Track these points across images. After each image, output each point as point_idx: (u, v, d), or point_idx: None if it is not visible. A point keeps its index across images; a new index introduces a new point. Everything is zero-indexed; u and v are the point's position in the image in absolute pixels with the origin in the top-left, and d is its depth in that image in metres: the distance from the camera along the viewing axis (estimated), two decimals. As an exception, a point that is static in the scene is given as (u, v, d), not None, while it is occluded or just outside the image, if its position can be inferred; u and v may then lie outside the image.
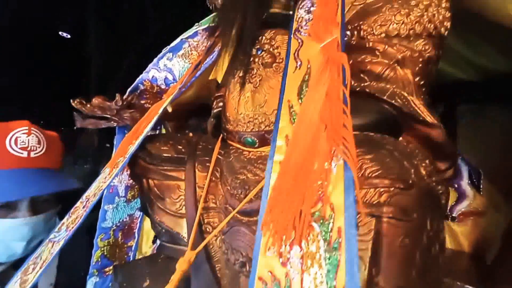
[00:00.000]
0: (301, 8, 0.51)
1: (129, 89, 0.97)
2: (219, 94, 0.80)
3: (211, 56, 0.75)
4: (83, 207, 0.61)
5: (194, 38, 0.90)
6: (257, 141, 0.61)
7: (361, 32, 0.45)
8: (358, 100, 0.38)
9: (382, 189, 0.31)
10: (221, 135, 0.73)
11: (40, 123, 0.91)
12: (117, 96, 0.86)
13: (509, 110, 0.72)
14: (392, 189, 0.31)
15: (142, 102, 0.99)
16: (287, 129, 0.36)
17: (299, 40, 0.46)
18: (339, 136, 0.27)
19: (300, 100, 0.38)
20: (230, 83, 0.65)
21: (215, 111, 0.77)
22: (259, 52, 0.60)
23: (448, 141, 0.42)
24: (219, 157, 0.69)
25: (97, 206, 0.82)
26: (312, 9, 0.49)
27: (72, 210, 0.63)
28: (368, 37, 0.45)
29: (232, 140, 0.68)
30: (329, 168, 0.28)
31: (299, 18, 0.49)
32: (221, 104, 0.74)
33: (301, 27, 0.47)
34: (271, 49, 0.59)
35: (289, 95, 0.39)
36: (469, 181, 0.75)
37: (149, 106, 0.96)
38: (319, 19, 0.43)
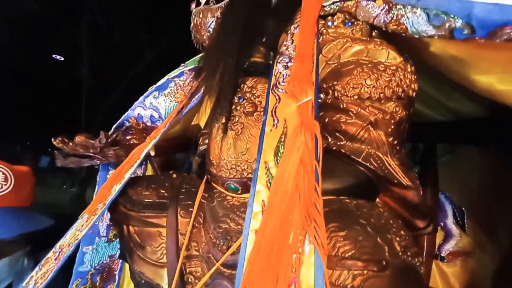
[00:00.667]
0: (279, 62, 0.53)
1: (114, 126, 0.97)
2: (205, 131, 0.81)
3: (195, 98, 0.76)
4: (55, 259, 0.57)
5: (180, 78, 0.92)
6: (240, 188, 0.60)
7: (336, 93, 0.47)
8: (335, 162, 0.38)
9: (355, 272, 0.31)
10: (205, 177, 0.72)
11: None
12: (101, 134, 0.85)
13: (484, 150, 0.74)
14: (366, 271, 0.31)
15: (128, 137, 0.98)
16: (263, 193, 0.36)
17: (277, 97, 0.47)
18: (311, 216, 0.28)
19: (276, 161, 0.38)
20: (213, 128, 0.65)
21: (201, 148, 0.77)
22: (240, 100, 0.61)
23: (424, 200, 0.43)
24: (203, 201, 0.68)
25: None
26: (289, 64, 0.51)
27: (42, 262, 0.59)
28: (342, 98, 0.47)
29: (215, 183, 0.68)
30: (302, 248, 0.27)
31: (277, 73, 0.51)
32: (207, 141, 0.74)
33: (279, 83, 0.49)
34: (252, 98, 0.60)
35: (266, 156, 0.40)
36: (454, 220, 0.75)
37: (135, 142, 0.96)
38: (295, 77, 0.45)
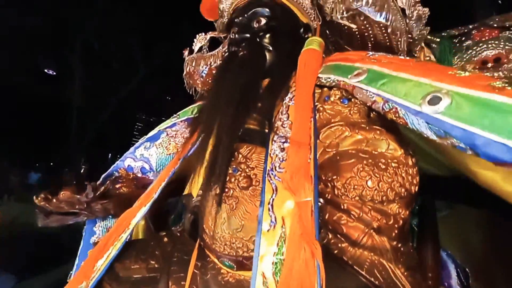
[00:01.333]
0: (275, 141, 0.51)
1: (102, 176, 0.93)
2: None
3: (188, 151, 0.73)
4: None
5: (173, 128, 0.90)
6: (235, 266, 0.57)
7: (335, 190, 0.45)
8: (338, 270, 0.36)
9: None
10: (199, 242, 0.68)
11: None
12: (88, 187, 0.81)
13: (481, 208, 0.73)
14: None
15: (117, 186, 0.94)
16: None
17: (273, 185, 0.45)
18: None
19: (275, 274, 0.36)
20: (207, 195, 0.62)
21: (192, 204, 0.73)
22: (235, 172, 0.58)
23: (425, 257, 0.41)
24: (196, 271, 0.64)
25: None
26: (285, 145, 0.49)
27: None
28: (343, 197, 0.45)
29: (209, 252, 0.64)
30: None
31: (273, 154, 0.49)
32: (199, 198, 0.71)
33: (275, 168, 0.47)
34: (247, 170, 0.58)
35: (262, 265, 0.37)
36: (458, 281, 0.73)
37: (124, 190, 0.92)
38: (292, 167, 0.43)
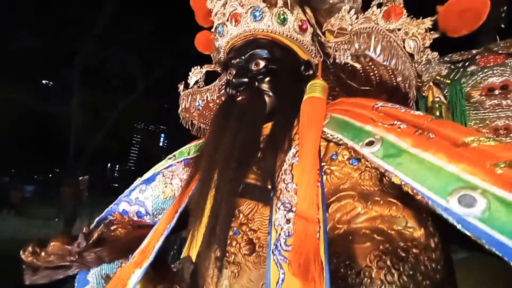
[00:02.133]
0: (279, 209, 0.46)
1: (96, 220, 0.88)
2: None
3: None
4: None
5: (169, 169, 0.85)
6: (238, 339, 0.52)
7: (349, 279, 0.41)
8: None
9: None
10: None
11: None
12: (80, 236, 0.75)
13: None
14: None
15: (112, 228, 0.89)
16: None
17: (279, 266, 0.40)
18: None
19: None
20: (207, 255, 0.57)
21: (192, 269, 0.68)
22: (236, 234, 0.54)
23: None
24: None
25: None
26: (290, 215, 0.44)
27: None
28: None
29: None
30: None
31: (277, 225, 0.45)
32: (198, 260, 0.66)
33: (281, 245, 0.42)
34: (249, 233, 0.53)
35: None
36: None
37: (120, 231, 0.86)
38: (300, 249, 0.39)
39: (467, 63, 1.00)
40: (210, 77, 0.95)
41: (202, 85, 0.93)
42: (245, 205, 0.56)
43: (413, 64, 0.55)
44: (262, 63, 0.63)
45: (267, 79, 0.63)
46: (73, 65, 4.96)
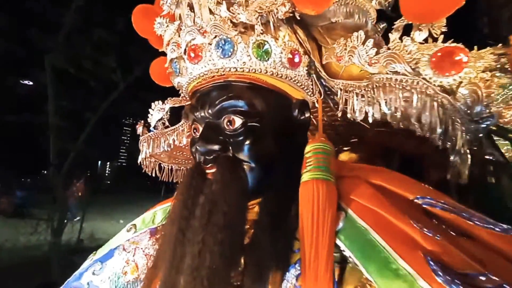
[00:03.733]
0: None
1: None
2: None
3: None
4: None
5: (130, 240, 0.65)
6: None
7: None
8: None
9: None
10: None
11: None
12: None
13: None
14: None
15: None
16: None
17: None
18: None
19: None
20: None
21: None
22: None
23: None
24: None
25: None
26: None
27: None
28: None
29: None
30: None
31: None
32: None
33: None
34: None
35: None
36: None
37: None
38: None
39: None
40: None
41: (166, 122, 0.72)
42: None
43: (469, 125, 0.35)
44: (238, 121, 0.43)
45: (246, 143, 0.43)
46: (44, 66, 4.58)
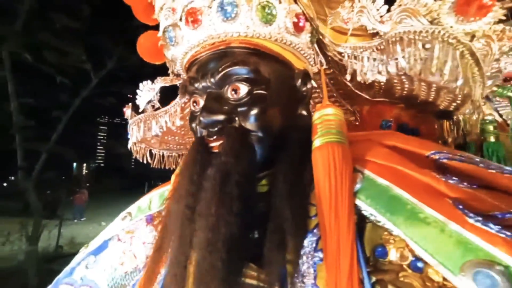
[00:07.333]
0: None
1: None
2: None
3: None
4: None
5: (126, 229, 0.61)
6: None
7: None
8: None
9: None
10: None
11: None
12: None
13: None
14: None
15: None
16: None
17: None
18: None
19: None
20: None
21: None
22: None
23: None
24: None
25: None
26: None
27: None
28: None
29: None
30: None
31: None
32: None
33: None
34: None
35: None
36: None
37: None
38: None
39: None
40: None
41: (157, 106, 0.67)
42: None
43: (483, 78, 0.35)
44: (243, 88, 0.40)
45: (253, 112, 0.40)
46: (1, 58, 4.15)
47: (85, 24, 3.89)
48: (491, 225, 0.26)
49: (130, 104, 0.68)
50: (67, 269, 0.62)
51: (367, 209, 0.33)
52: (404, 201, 0.31)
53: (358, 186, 0.34)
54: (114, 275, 0.61)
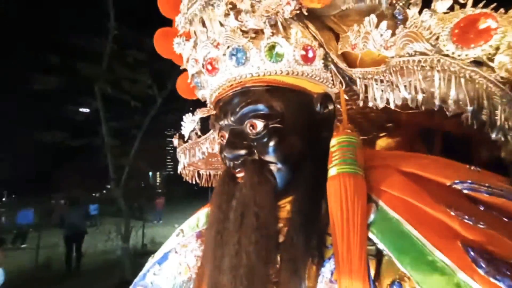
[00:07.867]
0: None
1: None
2: None
3: None
4: None
5: (181, 244, 0.72)
6: None
7: None
8: None
9: None
10: None
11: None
12: None
13: None
14: None
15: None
16: None
17: None
18: None
19: None
20: None
21: None
22: None
23: None
24: None
25: None
26: None
27: None
28: None
29: None
30: None
31: None
32: None
33: None
34: None
35: None
36: None
37: None
38: None
39: None
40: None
41: (198, 132, 0.77)
42: None
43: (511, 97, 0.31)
44: (259, 124, 0.44)
45: (270, 145, 0.44)
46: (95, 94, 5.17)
47: (149, 53, 4.52)
48: (503, 281, 0.23)
49: (177, 134, 0.79)
50: (140, 274, 0.76)
51: (379, 244, 0.33)
52: (413, 240, 0.30)
53: (371, 217, 0.34)
54: (174, 282, 0.72)
